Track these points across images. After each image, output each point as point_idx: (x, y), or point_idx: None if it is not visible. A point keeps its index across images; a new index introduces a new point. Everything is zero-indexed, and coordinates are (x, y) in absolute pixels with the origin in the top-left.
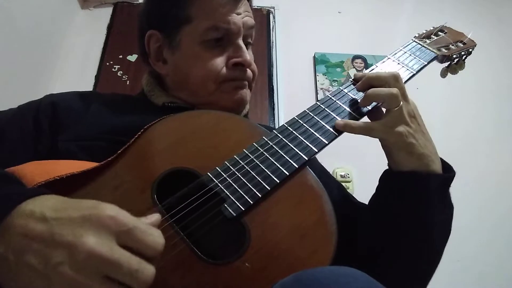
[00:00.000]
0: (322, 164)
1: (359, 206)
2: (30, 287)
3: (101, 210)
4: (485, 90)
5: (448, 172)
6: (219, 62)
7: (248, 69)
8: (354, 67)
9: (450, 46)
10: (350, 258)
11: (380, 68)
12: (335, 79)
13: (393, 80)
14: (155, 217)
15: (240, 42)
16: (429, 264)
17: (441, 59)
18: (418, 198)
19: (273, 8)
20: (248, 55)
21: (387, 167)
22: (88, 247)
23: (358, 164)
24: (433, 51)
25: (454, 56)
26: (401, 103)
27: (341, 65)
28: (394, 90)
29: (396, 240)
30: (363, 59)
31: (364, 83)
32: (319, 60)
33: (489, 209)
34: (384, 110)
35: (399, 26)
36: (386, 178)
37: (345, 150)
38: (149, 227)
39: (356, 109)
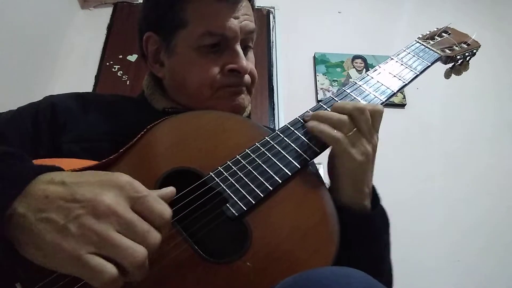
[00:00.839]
0: (322, 164)
1: None
2: (43, 243)
3: (118, 176)
4: (486, 90)
5: (377, 201)
6: (215, 68)
7: (245, 75)
8: (354, 67)
9: (454, 47)
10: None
11: (383, 69)
12: (335, 79)
13: (358, 112)
14: (166, 190)
15: (237, 47)
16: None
17: (445, 60)
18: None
19: (273, 8)
20: (246, 60)
21: (385, 168)
22: (108, 203)
23: None
24: (436, 52)
25: (458, 57)
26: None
27: (341, 65)
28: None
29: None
30: (363, 59)
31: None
32: (319, 60)
33: (490, 208)
34: None
35: (399, 26)
36: None
37: None
38: (159, 198)
39: None
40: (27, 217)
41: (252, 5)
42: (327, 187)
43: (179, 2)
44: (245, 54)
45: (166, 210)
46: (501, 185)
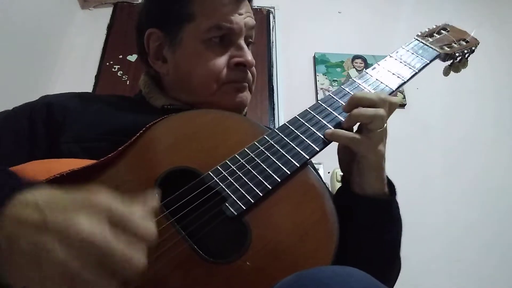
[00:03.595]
0: (322, 164)
1: None
2: (22, 275)
3: (95, 195)
4: (486, 89)
5: (393, 190)
6: (221, 61)
7: (249, 71)
8: (354, 67)
9: (453, 44)
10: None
11: (382, 67)
12: (335, 79)
13: (381, 102)
14: (150, 204)
15: (242, 42)
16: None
17: (444, 57)
18: (380, 223)
19: (273, 8)
20: (251, 55)
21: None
22: (81, 230)
23: None
24: (435, 50)
25: (457, 54)
26: (386, 125)
27: (341, 65)
28: (381, 111)
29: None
30: (363, 59)
31: (351, 105)
32: (319, 60)
33: (489, 208)
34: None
35: (399, 26)
36: (345, 197)
37: None
38: (142, 217)
39: None
40: (1, 246)
41: (251, 4)
42: (328, 186)
43: None
44: None
45: (150, 230)
46: (500, 184)
